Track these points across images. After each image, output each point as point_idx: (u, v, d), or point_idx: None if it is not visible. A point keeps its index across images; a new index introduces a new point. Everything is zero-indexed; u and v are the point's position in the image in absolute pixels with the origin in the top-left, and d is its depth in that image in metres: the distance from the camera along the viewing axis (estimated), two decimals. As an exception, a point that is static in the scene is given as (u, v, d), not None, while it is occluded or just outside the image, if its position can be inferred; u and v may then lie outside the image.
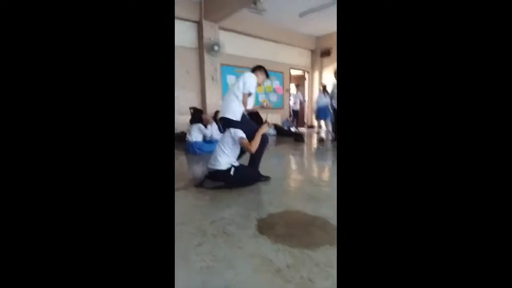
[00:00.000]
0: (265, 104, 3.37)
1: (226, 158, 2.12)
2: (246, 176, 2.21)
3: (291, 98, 7.68)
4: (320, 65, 7.63)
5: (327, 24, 6.22)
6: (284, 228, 1.43)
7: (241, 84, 2.22)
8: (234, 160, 2.20)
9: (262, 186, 2.19)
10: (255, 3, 4.01)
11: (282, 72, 7.10)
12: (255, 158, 2.30)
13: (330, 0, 4.89)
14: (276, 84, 7.02)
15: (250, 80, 2.23)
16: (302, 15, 5.59)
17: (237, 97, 2.22)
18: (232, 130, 2.18)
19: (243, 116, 2.29)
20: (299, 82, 8.04)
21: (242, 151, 2.30)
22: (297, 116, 7.58)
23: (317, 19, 5.86)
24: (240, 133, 2.14)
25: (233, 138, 2.15)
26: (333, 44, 7.06)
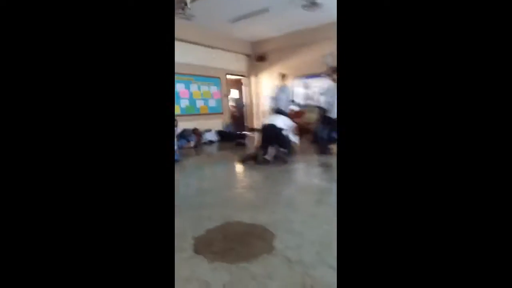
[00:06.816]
0: None
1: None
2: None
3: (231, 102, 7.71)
4: (256, 70, 7.86)
5: (261, 29, 6.42)
6: (222, 244, 1.40)
7: None
8: None
9: (203, 200, 2.12)
10: (182, 9, 3.89)
11: (219, 77, 7.07)
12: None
13: (261, 8, 5.08)
14: (213, 89, 6.96)
15: None
16: (233, 21, 5.67)
17: None
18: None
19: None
20: (237, 86, 8.13)
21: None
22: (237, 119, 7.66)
23: (251, 25, 6.01)
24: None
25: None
26: (268, 49, 7.32)
